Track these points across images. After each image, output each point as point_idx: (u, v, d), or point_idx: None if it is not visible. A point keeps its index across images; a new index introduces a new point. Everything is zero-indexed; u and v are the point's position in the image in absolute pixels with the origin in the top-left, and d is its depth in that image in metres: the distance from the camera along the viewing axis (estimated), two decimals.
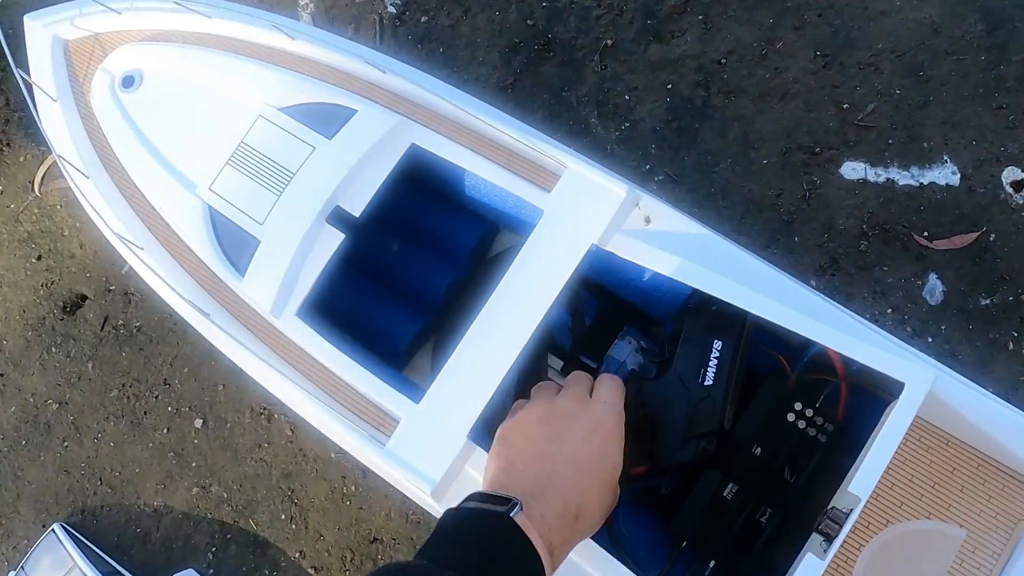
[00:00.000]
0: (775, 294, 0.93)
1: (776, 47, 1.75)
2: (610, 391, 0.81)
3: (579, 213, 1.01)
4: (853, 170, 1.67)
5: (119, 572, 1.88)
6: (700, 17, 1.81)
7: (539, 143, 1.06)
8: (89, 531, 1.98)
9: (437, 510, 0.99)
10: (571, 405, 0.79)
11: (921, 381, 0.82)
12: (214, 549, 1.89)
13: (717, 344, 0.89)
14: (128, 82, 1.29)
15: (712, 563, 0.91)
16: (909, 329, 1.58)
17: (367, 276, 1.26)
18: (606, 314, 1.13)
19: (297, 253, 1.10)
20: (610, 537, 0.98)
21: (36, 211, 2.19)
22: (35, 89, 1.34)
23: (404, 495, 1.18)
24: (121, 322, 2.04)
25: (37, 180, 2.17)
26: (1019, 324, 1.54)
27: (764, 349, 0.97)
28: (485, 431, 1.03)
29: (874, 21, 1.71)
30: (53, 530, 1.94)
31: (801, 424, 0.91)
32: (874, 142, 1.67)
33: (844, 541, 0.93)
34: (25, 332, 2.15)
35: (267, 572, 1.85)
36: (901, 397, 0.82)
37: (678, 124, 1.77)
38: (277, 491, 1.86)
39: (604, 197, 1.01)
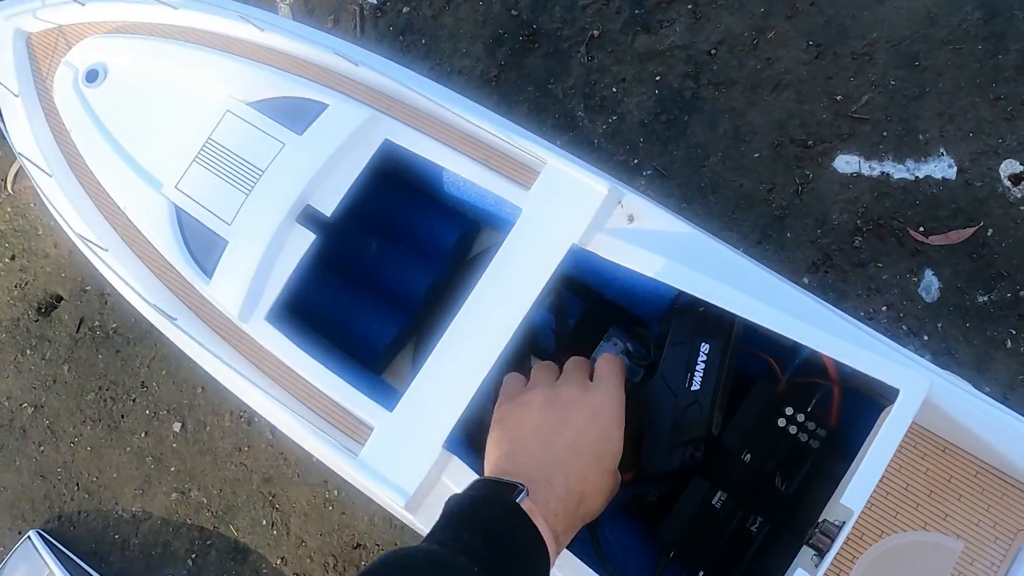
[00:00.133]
0: (763, 295, 0.89)
1: (768, 37, 1.71)
2: (610, 372, 0.83)
3: (559, 211, 0.97)
4: (847, 163, 1.63)
5: None
6: (689, 6, 1.76)
7: (517, 138, 1.02)
8: (66, 538, 1.94)
9: (413, 522, 0.95)
10: (572, 391, 0.80)
11: (916, 387, 0.78)
12: (194, 555, 1.85)
13: (704, 347, 0.86)
14: (92, 76, 1.24)
15: (700, 574, 0.88)
16: (904, 327, 1.55)
17: (344, 277, 1.22)
18: (591, 315, 1.10)
19: (266, 255, 1.06)
20: (595, 547, 0.95)
21: (9, 209, 2.14)
22: None
23: None
24: (97, 323, 1.99)
25: (9, 178, 2.12)
26: (1017, 322, 1.50)
27: (754, 351, 0.93)
28: (463, 439, 0.99)
29: (868, 10, 1.67)
30: (29, 537, 1.90)
31: (792, 429, 0.87)
32: (868, 134, 1.63)
33: (839, 554, 0.89)
34: None
35: None
36: (895, 405, 0.78)
37: (667, 117, 1.73)
38: (258, 496, 1.82)
39: (585, 194, 0.97)
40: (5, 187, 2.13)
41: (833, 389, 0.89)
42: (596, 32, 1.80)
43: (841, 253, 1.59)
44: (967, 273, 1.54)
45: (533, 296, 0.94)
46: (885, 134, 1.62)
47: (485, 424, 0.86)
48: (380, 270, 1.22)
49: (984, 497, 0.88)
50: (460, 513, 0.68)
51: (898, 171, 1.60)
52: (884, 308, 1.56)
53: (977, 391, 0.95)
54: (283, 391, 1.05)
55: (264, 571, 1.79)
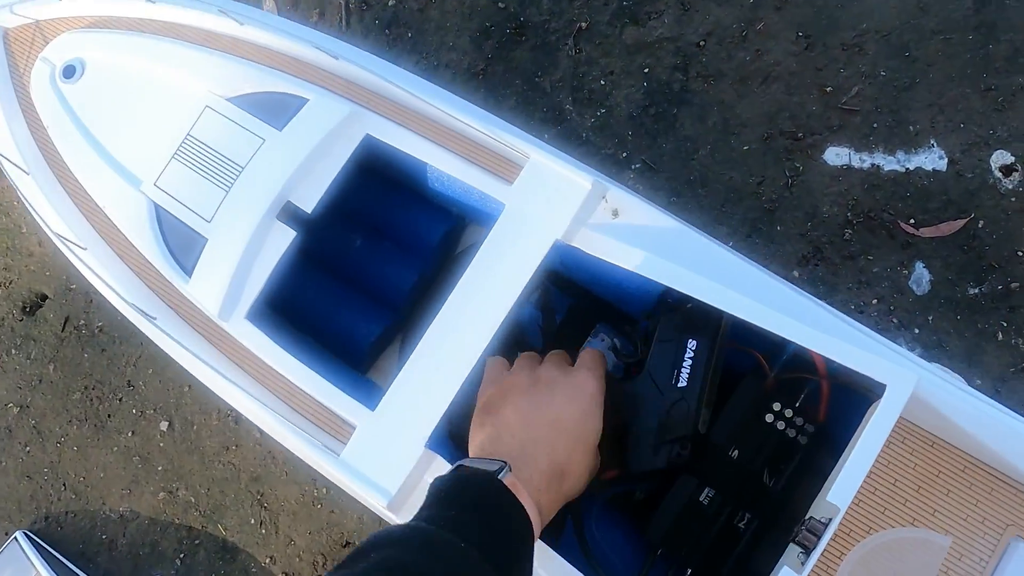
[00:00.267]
0: (749, 290, 0.88)
1: (757, 28, 1.69)
2: (591, 360, 0.85)
3: (542, 206, 0.96)
4: (837, 156, 1.62)
5: None
6: None
7: (500, 132, 1.00)
8: (53, 538, 1.93)
9: (395, 522, 0.94)
10: (553, 372, 0.83)
11: (903, 383, 0.78)
12: (182, 555, 1.83)
13: (692, 343, 0.85)
14: (69, 72, 1.22)
15: (688, 571, 0.88)
16: (895, 320, 1.54)
17: (328, 275, 1.21)
18: (578, 311, 1.09)
19: (246, 252, 1.04)
20: (582, 546, 0.94)
21: None
22: None
23: None
24: (83, 322, 1.97)
25: None
26: (1008, 314, 1.49)
27: (741, 347, 0.92)
28: (446, 436, 0.98)
29: (858, 0, 1.65)
30: (15, 538, 1.88)
31: (780, 425, 0.87)
32: (859, 126, 1.61)
33: (826, 550, 0.88)
34: None
35: None
36: (882, 401, 0.77)
37: (656, 110, 1.71)
38: (246, 495, 1.81)
39: (568, 189, 0.95)
40: None
41: (822, 384, 0.88)
42: (584, 24, 1.78)
43: (831, 246, 1.58)
44: (958, 265, 1.53)
45: (516, 292, 0.92)
46: (875, 126, 1.61)
47: (469, 421, 0.86)
48: (365, 267, 1.21)
49: (973, 492, 0.87)
50: (446, 492, 0.69)
51: (888, 163, 1.59)
52: (875, 301, 1.55)
53: (967, 385, 0.94)
54: (264, 390, 1.04)
55: (253, 570, 1.78)
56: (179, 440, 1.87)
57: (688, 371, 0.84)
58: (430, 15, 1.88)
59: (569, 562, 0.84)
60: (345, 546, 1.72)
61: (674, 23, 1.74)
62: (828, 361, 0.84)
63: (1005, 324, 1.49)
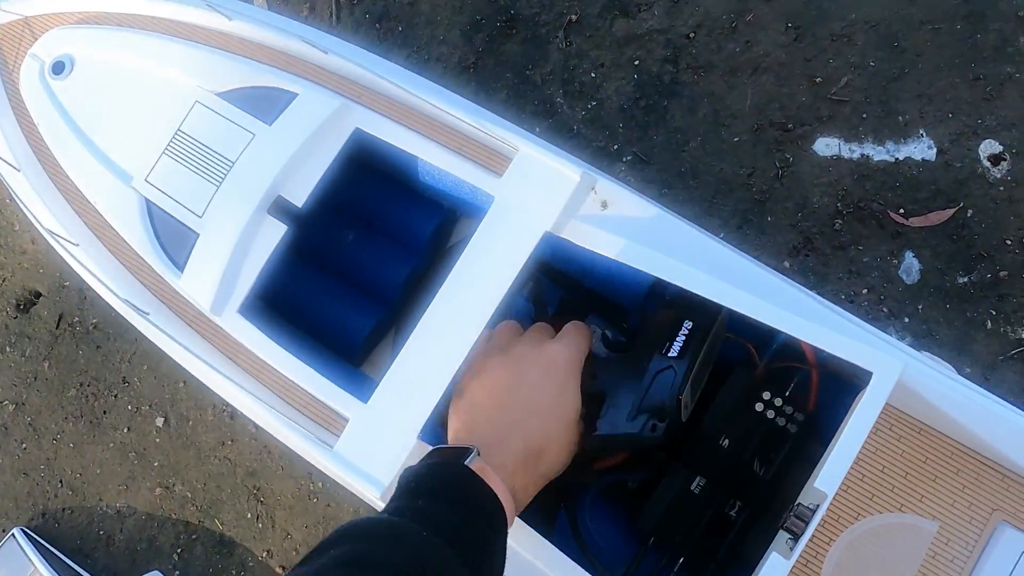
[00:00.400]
0: (737, 279, 0.89)
1: (746, 20, 1.70)
2: (574, 330, 0.84)
3: (531, 199, 0.96)
4: (827, 146, 1.62)
5: None
6: None
7: (489, 125, 1.00)
8: (50, 535, 1.93)
9: None
10: (526, 348, 0.81)
11: (889, 370, 0.78)
12: (179, 550, 1.84)
13: (688, 324, 0.83)
14: (58, 68, 1.22)
15: (681, 560, 0.88)
16: (885, 309, 1.54)
17: (321, 269, 1.21)
18: (569, 303, 1.09)
19: (237, 247, 1.04)
20: (575, 535, 0.95)
21: None
22: None
23: None
24: (77, 319, 1.98)
25: None
26: (997, 302, 1.50)
27: (733, 338, 0.93)
28: (439, 428, 0.99)
29: None
30: (13, 535, 1.89)
31: (770, 414, 0.87)
32: (848, 117, 1.62)
33: (815, 537, 0.90)
34: None
35: (234, 572, 1.80)
36: (868, 388, 0.78)
37: (646, 102, 1.72)
38: (242, 489, 1.81)
39: (557, 181, 0.96)
40: None
41: (811, 374, 0.88)
42: (574, 17, 1.78)
43: (822, 236, 1.59)
44: (947, 254, 1.54)
45: (507, 284, 0.93)
46: (865, 116, 1.61)
47: None
48: (357, 261, 1.21)
49: (960, 478, 0.88)
50: (414, 482, 0.68)
51: (878, 153, 1.60)
52: (865, 291, 1.56)
53: (956, 373, 0.95)
54: (258, 384, 1.04)
55: (250, 564, 1.79)
56: (175, 436, 1.88)
57: (680, 344, 0.81)
58: (420, 9, 1.88)
59: (563, 551, 0.84)
60: None
61: (664, 15, 1.74)
62: (817, 350, 0.85)
63: (994, 312, 1.50)
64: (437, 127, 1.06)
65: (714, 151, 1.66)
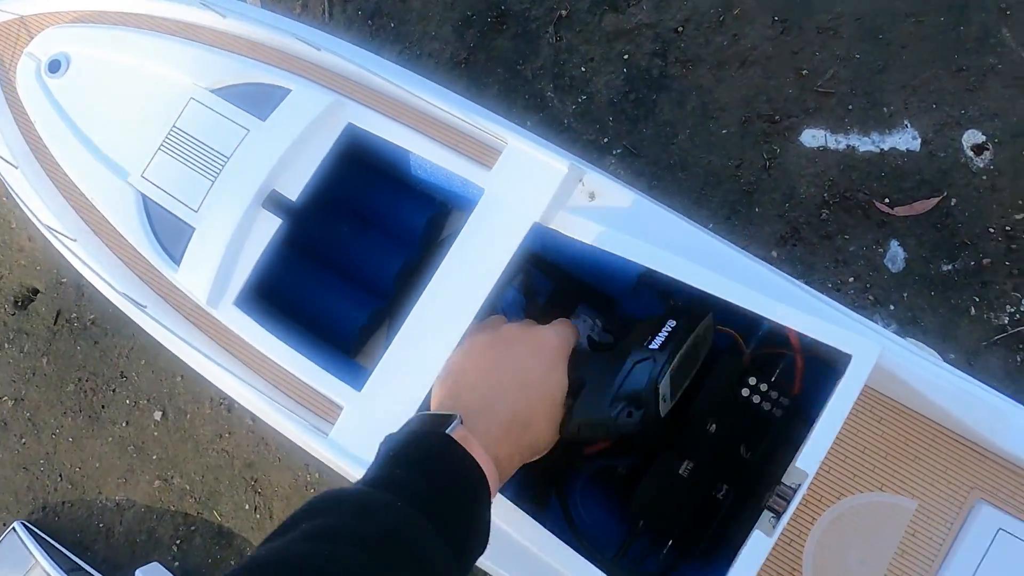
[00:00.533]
0: (721, 267, 0.92)
1: (734, 13, 1.72)
2: (561, 322, 0.84)
3: (520, 190, 0.98)
4: (813, 137, 1.65)
5: (82, 568, 1.85)
6: None
7: (478, 118, 1.03)
8: (51, 528, 1.95)
9: None
10: (515, 330, 0.81)
11: (867, 353, 0.81)
12: (179, 542, 1.86)
13: (672, 323, 0.84)
14: (55, 67, 1.24)
15: (670, 542, 0.91)
16: (871, 297, 1.57)
17: (316, 263, 1.23)
18: (560, 294, 1.11)
19: (232, 240, 1.06)
20: (567, 519, 0.97)
21: None
22: None
23: None
24: (75, 315, 2.00)
25: None
26: (980, 289, 1.53)
27: (720, 328, 0.95)
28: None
29: None
30: (14, 528, 1.91)
31: (756, 399, 0.89)
32: (834, 108, 1.65)
33: (797, 516, 0.92)
34: None
35: (233, 563, 1.82)
36: (847, 370, 0.80)
37: (635, 96, 1.74)
38: (240, 481, 1.84)
39: (545, 173, 0.98)
40: None
41: (796, 359, 0.90)
42: (564, 12, 1.80)
43: (809, 226, 1.62)
44: (932, 243, 1.56)
45: (496, 274, 0.95)
46: (850, 107, 1.64)
47: None
48: (352, 255, 1.23)
49: (939, 458, 0.90)
50: (393, 450, 0.66)
51: (863, 144, 1.62)
52: (851, 279, 1.58)
53: (941, 359, 0.97)
54: (254, 374, 1.06)
55: (248, 554, 1.81)
56: (173, 429, 1.90)
57: (662, 339, 0.82)
58: (412, 5, 1.89)
59: (555, 535, 0.86)
60: None
61: (652, 9, 1.76)
62: (801, 337, 0.87)
63: (977, 299, 1.53)
64: (428, 122, 1.08)
65: (702, 143, 1.69)
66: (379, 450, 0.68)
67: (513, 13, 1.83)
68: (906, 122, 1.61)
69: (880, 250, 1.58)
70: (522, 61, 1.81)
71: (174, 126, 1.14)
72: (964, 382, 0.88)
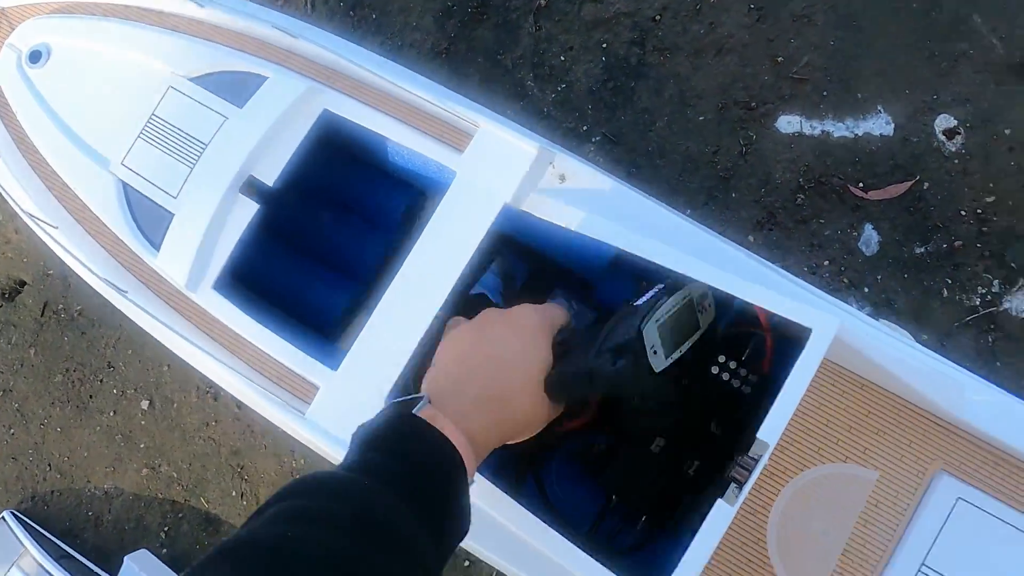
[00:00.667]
0: (687, 245, 0.94)
1: (710, 2, 1.74)
2: (548, 304, 0.84)
3: (491, 173, 1.00)
4: (789, 124, 1.67)
5: (71, 556, 1.87)
6: None
7: (450, 103, 1.05)
8: (40, 517, 1.97)
9: None
10: (493, 315, 0.80)
11: (826, 327, 0.82)
12: (166, 528, 1.88)
13: (660, 285, 0.84)
14: (35, 57, 1.25)
15: (643, 518, 0.93)
16: (846, 280, 1.60)
17: (300, 250, 1.25)
18: (536, 277, 1.13)
19: (211, 225, 1.08)
20: (541, 494, 0.99)
21: None
22: None
23: None
24: (62, 306, 2.01)
25: None
26: (952, 271, 1.56)
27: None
28: (405, 394, 1.03)
29: None
30: (3, 517, 1.92)
31: (725, 376, 0.91)
32: (809, 95, 1.67)
33: (763, 488, 0.94)
34: None
35: None
36: (807, 344, 0.82)
37: (614, 84, 1.76)
38: (226, 468, 1.86)
39: (515, 155, 1.00)
40: None
41: (766, 338, 0.92)
42: (543, 2, 1.82)
43: (785, 211, 1.64)
44: (905, 226, 1.59)
45: (468, 254, 0.97)
46: (825, 94, 1.66)
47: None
48: (332, 241, 1.25)
49: (901, 430, 0.93)
50: (364, 436, 0.66)
51: (838, 129, 1.65)
52: (826, 262, 1.61)
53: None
54: (232, 356, 1.08)
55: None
56: (160, 418, 1.92)
57: (649, 296, 0.81)
58: None
59: (532, 512, 0.88)
60: None
61: None
62: (770, 315, 0.88)
63: (950, 281, 1.56)
64: (402, 107, 1.10)
65: (680, 130, 1.71)
66: (352, 438, 0.68)
67: (493, 3, 1.85)
68: (879, 108, 1.63)
69: (854, 234, 1.61)
70: (502, 51, 1.83)
71: (153, 114, 1.16)
72: (926, 356, 0.90)
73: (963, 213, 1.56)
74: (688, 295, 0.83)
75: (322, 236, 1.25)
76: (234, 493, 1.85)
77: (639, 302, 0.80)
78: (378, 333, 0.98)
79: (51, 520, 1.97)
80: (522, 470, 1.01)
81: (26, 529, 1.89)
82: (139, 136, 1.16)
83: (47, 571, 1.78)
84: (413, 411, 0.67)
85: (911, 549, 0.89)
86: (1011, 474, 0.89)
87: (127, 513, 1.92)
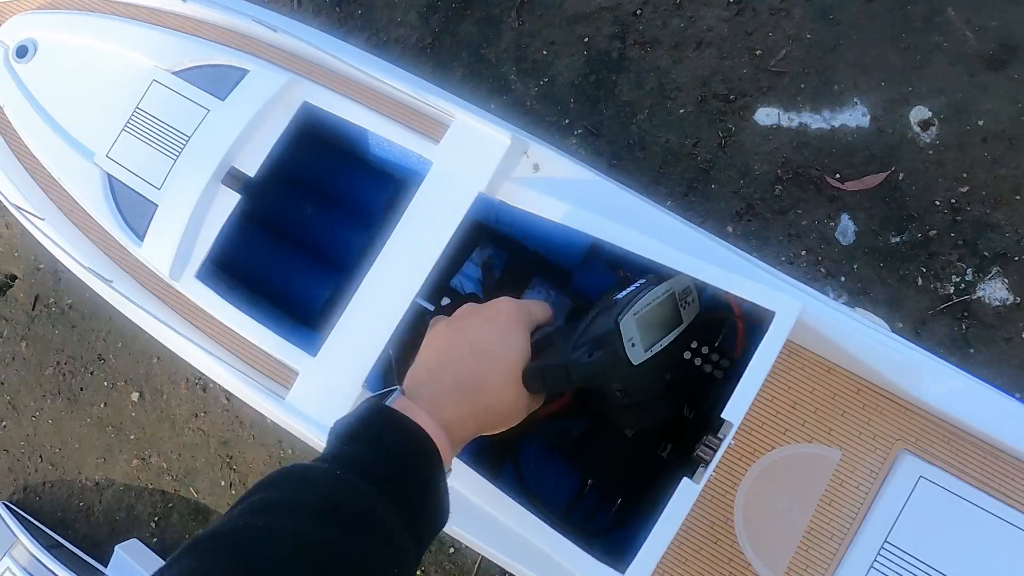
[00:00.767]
0: (658, 232, 0.96)
1: None
2: (529, 300, 0.84)
3: (466, 162, 1.03)
4: (767, 116, 1.70)
5: (63, 546, 1.89)
6: None
7: (426, 94, 1.07)
8: (32, 508, 2.00)
9: None
10: (471, 307, 0.81)
11: (789, 310, 0.85)
12: (156, 518, 1.91)
13: (641, 280, 0.84)
14: (22, 52, 1.27)
15: (619, 501, 0.95)
16: (823, 270, 1.62)
17: (282, 240, 1.27)
18: (514, 266, 1.15)
19: (193, 215, 1.11)
20: (518, 479, 1.01)
21: None
22: None
23: None
24: (52, 300, 2.03)
25: None
26: (927, 260, 1.59)
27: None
28: (382, 379, 1.05)
29: None
30: None
31: (697, 361, 0.93)
32: (787, 87, 1.69)
33: (730, 468, 0.97)
34: None
35: None
36: (771, 325, 0.85)
37: (596, 77, 1.78)
38: (216, 459, 1.88)
39: (490, 145, 1.02)
40: None
41: (738, 324, 0.94)
42: None
43: (763, 202, 1.67)
44: (881, 216, 1.61)
45: (443, 243, 0.99)
46: (803, 86, 1.69)
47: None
48: (315, 231, 1.27)
49: (865, 411, 0.95)
50: (338, 430, 0.67)
51: (815, 121, 1.67)
52: (804, 252, 1.64)
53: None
54: (214, 343, 1.10)
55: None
56: (150, 409, 1.94)
57: (628, 290, 0.82)
58: None
59: (509, 496, 0.90)
60: None
61: None
62: (741, 302, 0.91)
63: (924, 270, 1.58)
64: (380, 99, 1.12)
65: (660, 123, 1.73)
66: (328, 434, 0.68)
67: None
68: (856, 99, 1.66)
69: (831, 224, 1.63)
70: (486, 45, 1.85)
71: (137, 107, 1.18)
72: (888, 339, 0.92)
73: (937, 203, 1.59)
74: (670, 289, 0.84)
75: (305, 226, 1.27)
76: (223, 483, 1.87)
77: (619, 295, 0.82)
78: (356, 319, 1.01)
79: (43, 511, 1.99)
80: (500, 455, 1.04)
81: (18, 520, 1.91)
82: (124, 129, 1.18)
83: (39, 561, 1.81)
84: (386, 402, 0.67)
85: (874, 527, 0.92)
86: (971, 453, 0.92)
87: (118, 503, 1.94)
